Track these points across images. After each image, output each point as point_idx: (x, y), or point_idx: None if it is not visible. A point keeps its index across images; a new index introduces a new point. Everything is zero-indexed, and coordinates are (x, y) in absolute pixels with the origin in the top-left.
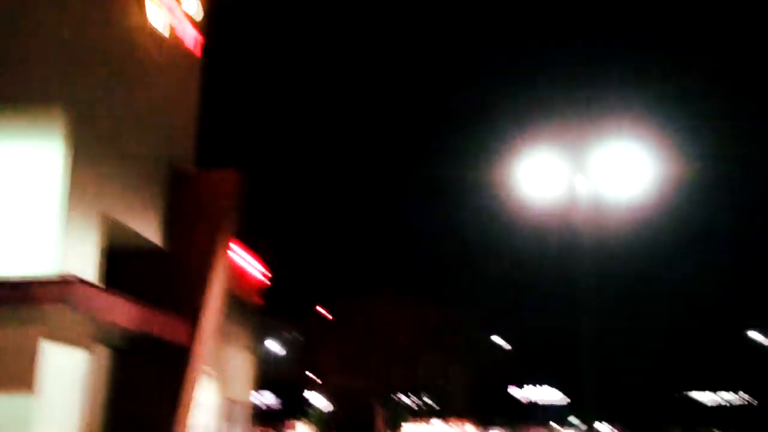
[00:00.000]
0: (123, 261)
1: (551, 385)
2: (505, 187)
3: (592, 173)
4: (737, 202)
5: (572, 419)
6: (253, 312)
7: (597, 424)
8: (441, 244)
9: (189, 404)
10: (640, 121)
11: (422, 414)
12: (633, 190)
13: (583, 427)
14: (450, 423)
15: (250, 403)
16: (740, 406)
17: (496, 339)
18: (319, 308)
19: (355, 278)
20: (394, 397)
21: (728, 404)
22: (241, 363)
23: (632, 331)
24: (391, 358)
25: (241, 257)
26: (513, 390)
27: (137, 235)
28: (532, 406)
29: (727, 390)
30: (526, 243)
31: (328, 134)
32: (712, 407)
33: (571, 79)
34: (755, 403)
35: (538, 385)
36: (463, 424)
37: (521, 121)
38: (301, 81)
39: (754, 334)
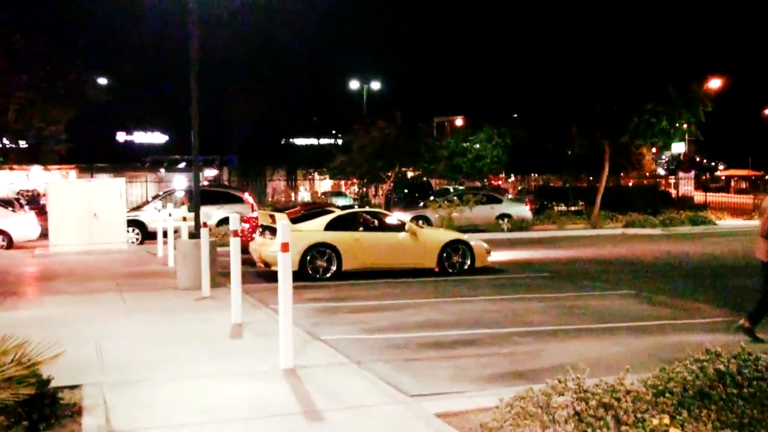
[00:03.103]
0: None
1: (157, 129)
2: None
3: None
4: None
5: (178, 158)
6: None
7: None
8: None
9: None
10: None
11: (18, 160)
12: None
13: (184, 165)
14: (50, 169)
15: None
16: (332, 144)
17: (102, 80)
18: None
19: None
20: None
21: (320, 144)
22: None
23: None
24: None
25: None
26: (119, 135)
27: None
28: (136, 147)
29: (325, 137)
30: None
31: None
32: (307, 146)
33: None
34: (341, 142)
35: (144, 131)
36: (63, 170)
37: None
38: None
39: (353, 84)
